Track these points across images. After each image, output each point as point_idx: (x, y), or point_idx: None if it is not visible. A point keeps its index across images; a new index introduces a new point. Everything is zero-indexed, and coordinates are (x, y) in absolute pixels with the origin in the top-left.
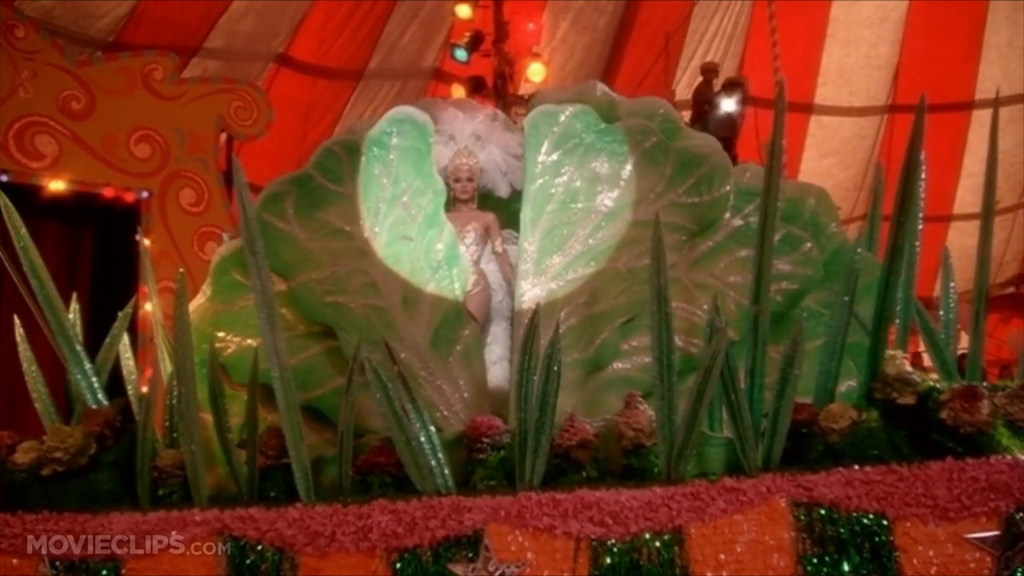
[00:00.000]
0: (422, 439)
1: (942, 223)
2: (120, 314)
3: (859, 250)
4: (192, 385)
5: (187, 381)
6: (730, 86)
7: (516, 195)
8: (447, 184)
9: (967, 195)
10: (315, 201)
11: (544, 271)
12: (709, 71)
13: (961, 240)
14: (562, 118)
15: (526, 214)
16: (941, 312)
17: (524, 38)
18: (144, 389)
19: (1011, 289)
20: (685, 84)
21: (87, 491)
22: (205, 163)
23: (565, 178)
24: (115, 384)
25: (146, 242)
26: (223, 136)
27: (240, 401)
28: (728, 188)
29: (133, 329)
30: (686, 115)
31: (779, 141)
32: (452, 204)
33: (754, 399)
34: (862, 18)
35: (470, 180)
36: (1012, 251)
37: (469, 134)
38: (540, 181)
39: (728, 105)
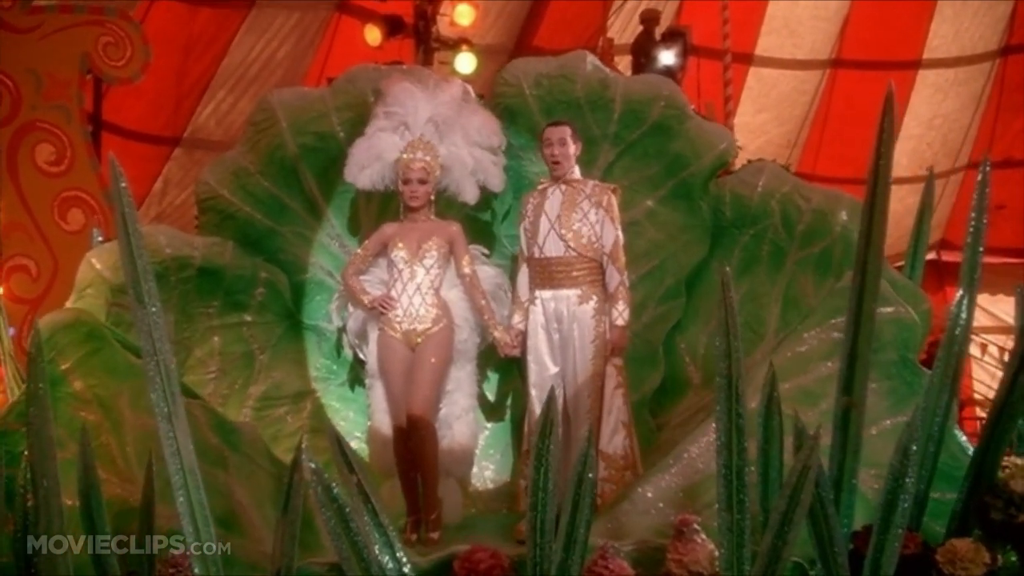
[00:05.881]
0: None
1: None
2: None
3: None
4: (58, 508)
5: (50, 501)
6: (670, 36)
7: (488, 200)
8: (397, 185)
9: (902, 158)
10: None
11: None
12: (650, 20)
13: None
14: None
15: None
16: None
17: None
18: None
19: (931, 255)
20: (618, 27)
21: None
22: (67, 112)
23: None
24: None
25: None
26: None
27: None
28: None
29: None
30: (622, 61)
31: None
32: (403, 212)
33: (841, 516)
34: None
35: (422, 182)
36: (937, 217)
37: (426, 120)
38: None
39: (667, 58)
